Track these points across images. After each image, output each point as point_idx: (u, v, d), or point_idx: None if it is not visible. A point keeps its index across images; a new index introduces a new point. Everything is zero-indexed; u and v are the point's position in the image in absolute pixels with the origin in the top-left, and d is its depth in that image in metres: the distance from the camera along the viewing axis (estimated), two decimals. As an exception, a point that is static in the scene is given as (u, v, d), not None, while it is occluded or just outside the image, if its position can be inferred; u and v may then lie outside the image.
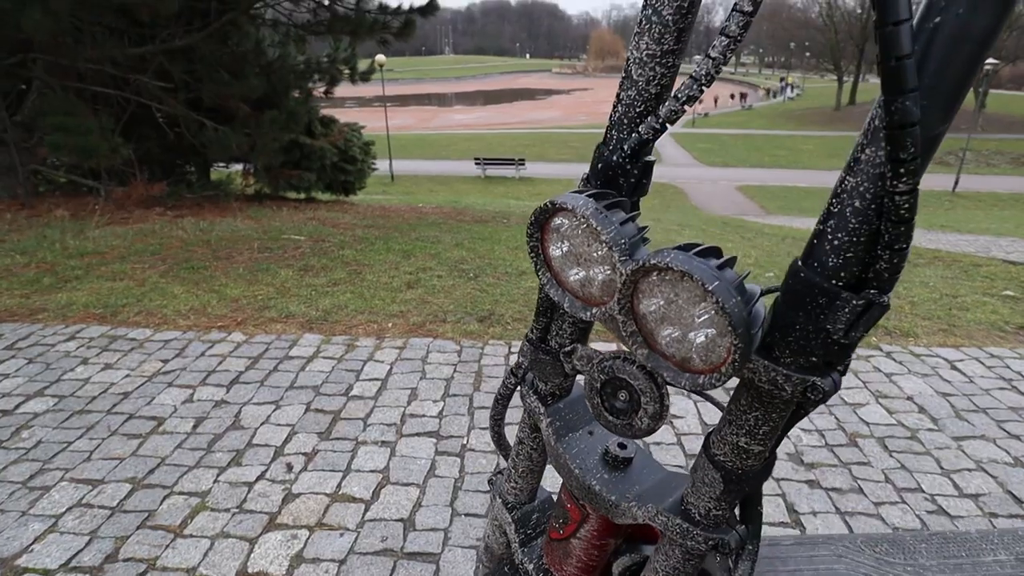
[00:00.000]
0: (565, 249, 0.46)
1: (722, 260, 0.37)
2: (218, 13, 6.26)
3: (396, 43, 7.83)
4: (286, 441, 2.18)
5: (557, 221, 0.45)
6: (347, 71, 8.01)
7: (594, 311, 0.45)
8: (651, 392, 0.44)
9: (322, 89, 8.16)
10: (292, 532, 1.76)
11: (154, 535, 1.75)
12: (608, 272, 0.43)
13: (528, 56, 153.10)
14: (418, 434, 2.23)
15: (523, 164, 21.47)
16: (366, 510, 1.85)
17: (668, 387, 0.44)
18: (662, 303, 0.40)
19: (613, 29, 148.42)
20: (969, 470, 2.09)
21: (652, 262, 0.38)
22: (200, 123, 6.73)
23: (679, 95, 0.42)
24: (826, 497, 1.94)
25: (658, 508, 0.49)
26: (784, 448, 2.17)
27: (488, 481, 0.71)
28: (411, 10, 7.15)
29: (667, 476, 0.54)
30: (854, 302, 0.36)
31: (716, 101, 45.81)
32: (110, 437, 2.21)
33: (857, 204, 0.36)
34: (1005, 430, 2.33)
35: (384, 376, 2.64)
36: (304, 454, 2.11)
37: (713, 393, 0.71)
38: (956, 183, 19.74)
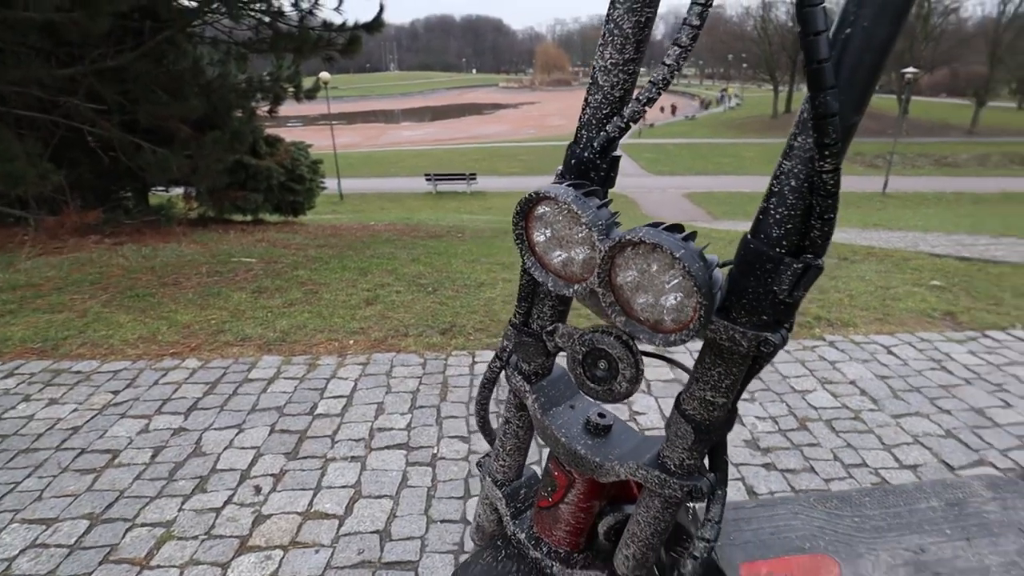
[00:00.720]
0: (548, 234, 0.51)
1: (685, 234, 0.43)
2: (153, 32, 6.10)
3: (341, 60, 7.79)
4: (252, 464, 2.14)
5: (541, 209, 0.50)
6: (291, 89, 7.92)
7: (576, 287, 0.50)
8: (627, 358, 0.50)
9: (266, 108, 8.03)
10: (265, 553, 1.73)
11: (119, 569, 1.69)
12: (588, 251, 0.49)
13: (474, 71, 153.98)
14: (388, 447, 2.23)
15: (474, 179, 21.57)
16: (340, 525, 1.84)
17: (641, 355, 0.49)
18: (636, 274, 0.45)
19: (558, 43, 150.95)
20: (907, 444, 2.24)
21: (627, 238, 0.44)
22: (137, 146, 6.51)
23: (640, 97, 0.48)
24: (781, 478, 2.05)
25: (638, 463, 0.55)
26: (741, 436, 2.28)
27: (477, 464, 0.75)
28: (356, 27, 7.13)
29: (643, 439, 0.60)
30: (795, 266, 0.43)
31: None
32: (61, 474, 2.12)
33: (793, 183, 0.42)
34: (937, 406, 2.51)
35: (349, 393, 2.62)
36: (272, 475, 2.08)
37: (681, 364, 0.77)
38: (886, 185, 20.98)
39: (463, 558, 1.72)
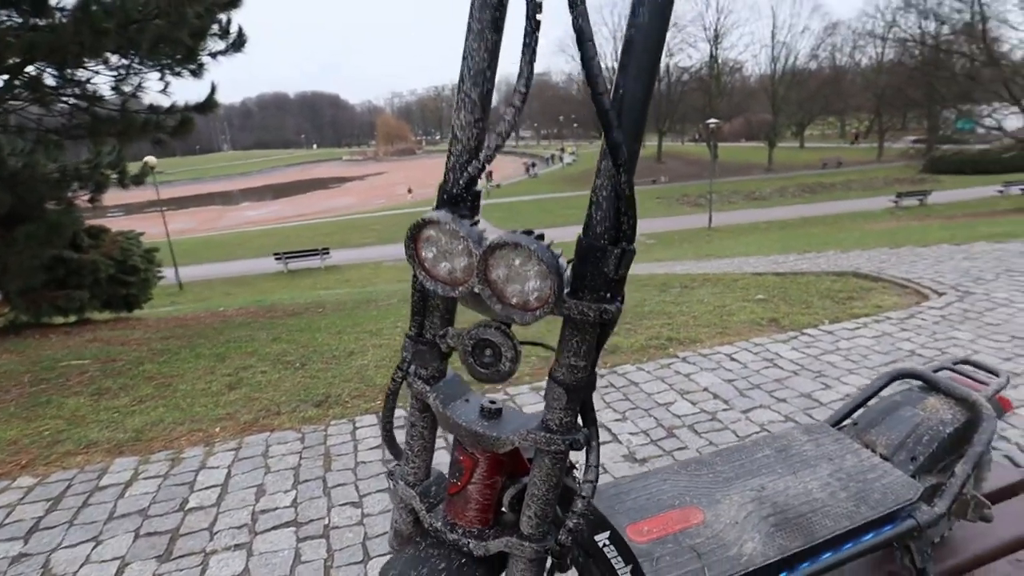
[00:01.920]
0: (435, 251, 0.63)
1: (537, 234, 0.58)
2: (-60, 126, 5.44)
3: (172, 142, 7.42)
4: (118, 575, 1.91)
5: (427, 232, 0.63)
6: (115, 176, 7.35)
7: (460, 289, 0.63)
8: (507, 343, 0.64)
9: (86, 197, 7.35)
10: (144, 670, 1.55)
11: None
12: (467, 259, 0.62)
13: (316, 146, 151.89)
14: (274, 527, 2.10)
15: (327, 253, 21.06)
16: (231, 619, 1.70)
17: (517, 341, 0.62)
18: (505, 269, 0.59)
19: (396, 115, 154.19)
20: (757, 432, 2.55)
21: (495, 242, 0.58)
22: (-74, 251, 5.66)
23: (489, 145, 0.63)
24: (661, 484, 2.23)
25: (528, 430, 0.67)
26: (619, 452, 2.45)
27: (388, 473, 0.80)
28: (187, 108, 6.87)
29: (529, 415, 0.72)
30: (616, 251, 0.59)
31: None
32: None
33: (604, 194, 0.59)
34: (775, 397, 2.89)
35: (223, 480, 2.44)
36: (143, 583, 1.87)
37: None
38: (710, 220, 23.88)
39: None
